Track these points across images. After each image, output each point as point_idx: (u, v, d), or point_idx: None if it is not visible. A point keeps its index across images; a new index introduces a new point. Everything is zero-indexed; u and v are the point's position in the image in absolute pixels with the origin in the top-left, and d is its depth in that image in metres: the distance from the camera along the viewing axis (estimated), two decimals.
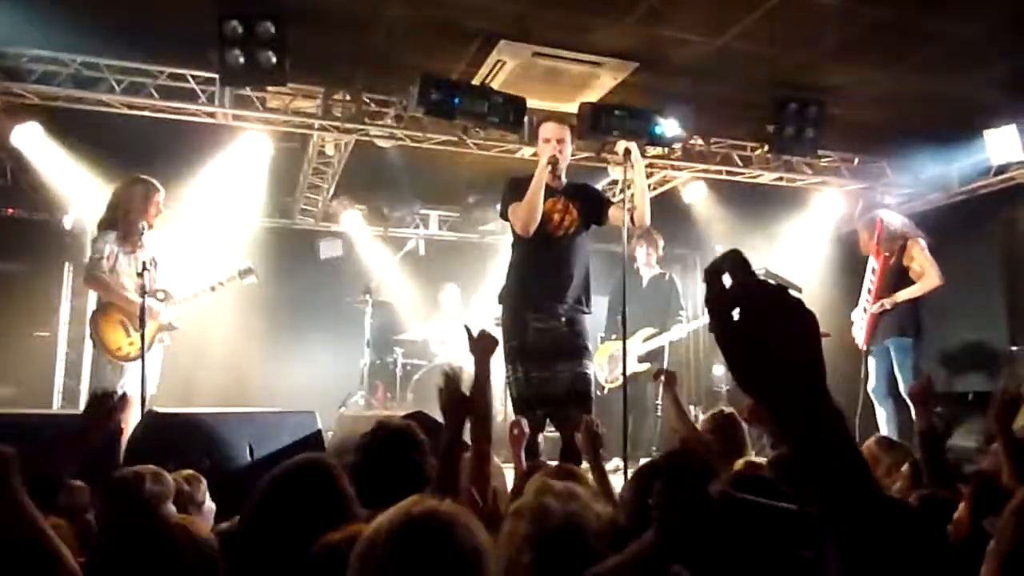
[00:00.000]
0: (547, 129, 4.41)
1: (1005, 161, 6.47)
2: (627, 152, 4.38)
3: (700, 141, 6.96)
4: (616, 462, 6.21)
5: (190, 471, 2.81)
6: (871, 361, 5.85)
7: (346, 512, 1.81)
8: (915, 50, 5.44)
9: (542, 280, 4.28)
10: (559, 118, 4.59)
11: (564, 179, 4.44)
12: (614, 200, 4.67)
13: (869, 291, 5.80)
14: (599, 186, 5.74)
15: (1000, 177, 6.70)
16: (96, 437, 2.49)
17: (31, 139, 6.15)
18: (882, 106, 6.33)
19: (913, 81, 5.82)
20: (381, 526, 1.25)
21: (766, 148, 6.75)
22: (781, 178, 7.25)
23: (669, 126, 6.18)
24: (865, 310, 5.83)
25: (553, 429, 4.31)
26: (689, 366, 8.82)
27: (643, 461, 6.18)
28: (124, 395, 2.64)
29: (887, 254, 5.73)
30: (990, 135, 6.30)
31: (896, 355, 5.66)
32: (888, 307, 5.65)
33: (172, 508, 2.40)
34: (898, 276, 5.70)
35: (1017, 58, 5.43)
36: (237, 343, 7.47)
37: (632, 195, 4.36)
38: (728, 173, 7.16)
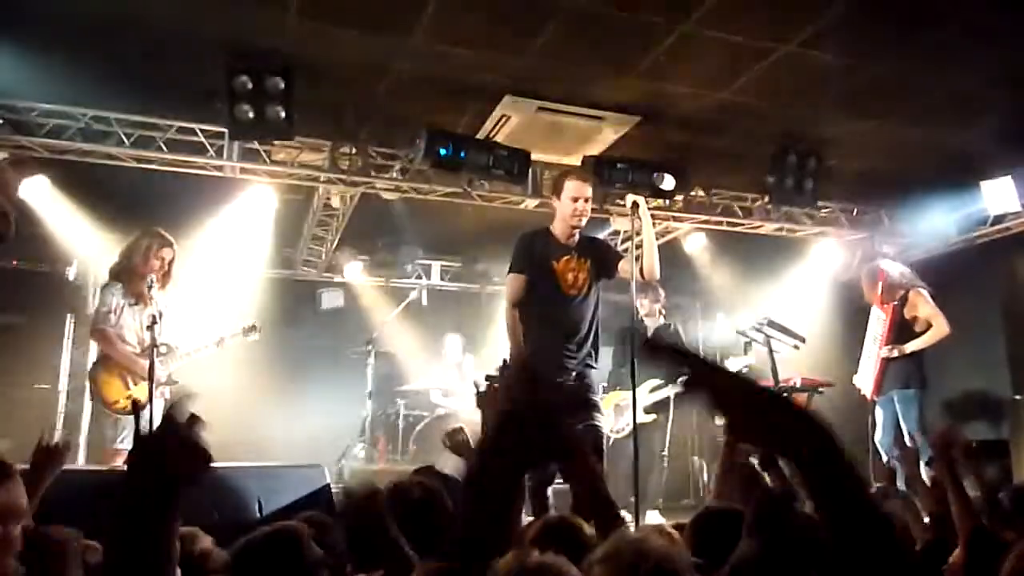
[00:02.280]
0: (575, 188, 4.38)
1: (1002, 211, 6.57)
2: (635, 205, 4.43)
3: (701, 192, 7.05)
4: (624, 515, 6.16)
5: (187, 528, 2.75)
6: (877, 411, 5.84)
7: None
8: (913, 103, 5.55)
9: (554, 337, 4.30)
10: (582, 175, 4.57)
11: (578, 235, 4.47)
12: (623, 253, 4.71)
13: (875, 340, 5.81)
14: (601, 237, 5.79)
15: (997, 227, 6.79)
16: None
17: (38, 192, 6.19)
18: (881, 157, 6.44)
19: (911, 133, 5.94)
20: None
21: (766, 199, 6.84)
22: (781, 228, 7.33)
23: (670, 178, 6.27)
24: (871, 359, 5.83)
25: (561, 481, 4.28)
26: (692, 417, 8.77)
27: (650, 513, 6.16)
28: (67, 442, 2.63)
29: (895, 303, 5.75)
30: (987, 186, 6.41)
31: (901, 406, 5.65)
32: (897, 354, 5.65)
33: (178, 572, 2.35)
34: (901, 327, 5.72)
35: (1012, 111, 5.55)
36: (237, 394, 7.39)
37: (639, 246, 4.40)
38: (729, 224, 7.24)
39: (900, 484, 5.39)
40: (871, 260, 6.55)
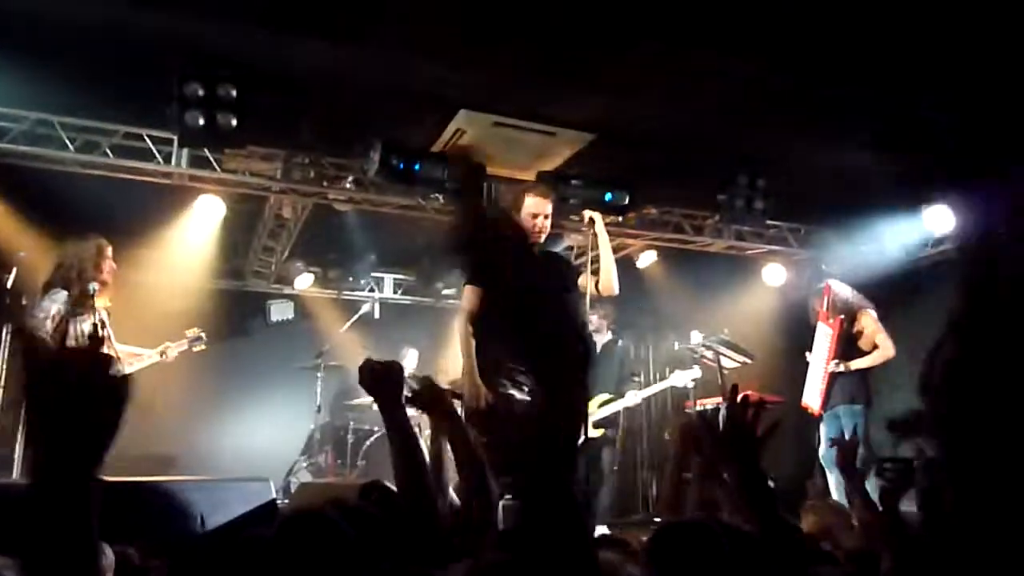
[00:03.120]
0: (535, 204, 4.38)
1: (942, 234, 6.78)
2: (591, 221, 4.47)
3: (654, 210, 7.14)
4: None
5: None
6: (822, 427, 5.95)
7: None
8: (859, 128, 5.70)
9: (509, 351, 4.30)
10: (542, 191, 4.56)
11: (536, 250, 4.49)
12: (581, 269, 4.74)
13: (822, 357, 5.93)
14: (556, 251, 5.82)
15: (938, 249, 7.00)
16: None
17: None
18: (828, 179, 6.58)
19: (858, 157, 6.08)
20: None
21: (717, 217, 6.96)
22: (732, 247, 7.45)
23: (624, 195, 6.35)
24: (817, 376, 5.95)
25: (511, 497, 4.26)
26: (643, 432, 8.84)
27: (599, 529, 6.16)
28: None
29: (841, 317, 5.88)
30: (927, 210, 6.61)
31: (845, 421, 5.77)
32: (843, 370, 5.78)
33: None
34: (848, 344, 5.85)
35: (953, 139, 5.73)
36: (184, 407, 7.24)
37: (595, 261, 4.45)
38: (680, 241, 7.34)
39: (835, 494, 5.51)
40: (818, 279, 6.68)
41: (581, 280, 4.51)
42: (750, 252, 7.63)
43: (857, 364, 5.79)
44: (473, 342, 4.29)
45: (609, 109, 5.56)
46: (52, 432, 0.96)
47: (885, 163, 6.02)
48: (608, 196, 6.32)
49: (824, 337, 5.96)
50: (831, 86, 5.15)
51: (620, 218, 6.68)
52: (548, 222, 4.46)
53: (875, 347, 5.82)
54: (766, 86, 5.18)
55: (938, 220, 6.63)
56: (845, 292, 6.05)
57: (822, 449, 5.90)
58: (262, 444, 7.44)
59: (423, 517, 2.01)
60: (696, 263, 7.77)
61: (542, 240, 4.46)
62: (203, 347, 5.57)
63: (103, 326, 4.76)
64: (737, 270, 8.02)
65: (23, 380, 0.99)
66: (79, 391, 0.98)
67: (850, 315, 5.91)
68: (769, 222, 7.09)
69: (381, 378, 2.18)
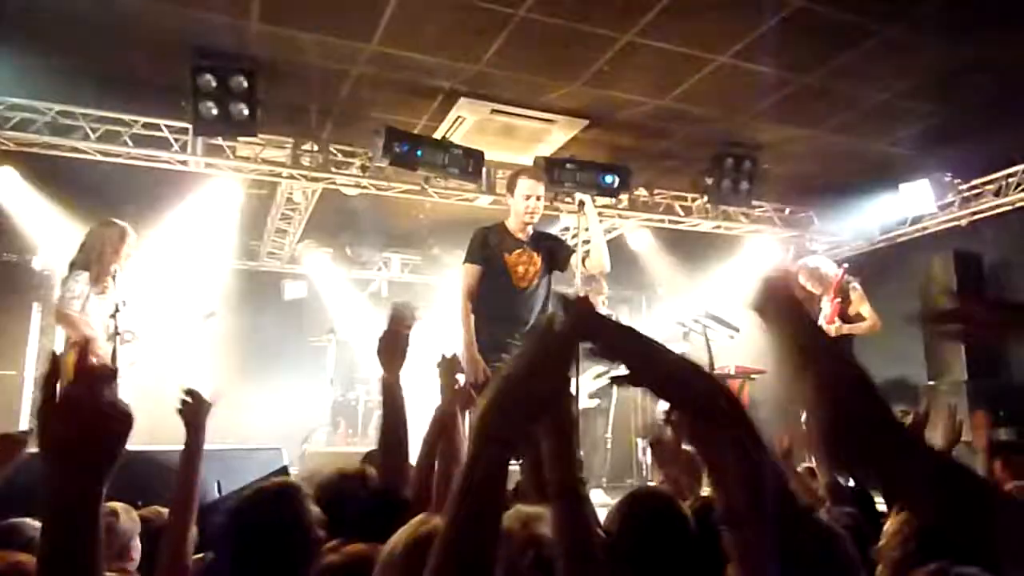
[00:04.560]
0: (528, 186, 4.64)
1: (919, 212, 7.08)
2: (581, 204, 4.76)
3: (645, 192, 7.45)
4: None
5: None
6: None
7: (311, 535, 1.81)
8: (837, 112, 5.96)
9: (506, 327, 4.52)
10: (535, 174, 4.83)
11: (531, 230, 4.78)
12: (575, 248, 5.00)
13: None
14: (553, 232, 6.12)
15: (915, 227, 7.31)
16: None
17: (4, 183, 6.31)
18: (809, 161, 6.87)
19: (837, 139, 6.37)
20: (397, 541, 1.36)
21: (705, 199, 7.26)
22: (719, 226, 7.75)
23: (616, 178, 6.66)
24: None
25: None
26: (635, 402, 9.18)
27: (592, 491, 6.53)
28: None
29: (839, 299, 6.13)
30: (905, 188, 6.90)
31: None
32: (834, 333, 6.05)
33: (138, 544, 2.47)
34: (840, 319, 6.13)
35: (925, 120, 6.02)
36: (201, 380, 7.58)
37: (586, 241, 4.73)
38: (670, 222, 7.65)
39: None
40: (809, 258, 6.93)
41: (573, 259, 4.78)
42: (736, 232, 7.94)
43: (849, 328, 6.04)
44: (472, 318, 4.55)
45: (601, 97, 5.79)
46: (59, 458, 1.03)
47: (862, 145, 6.30)
48: (601, 179, 6.61)
49: (823, 318, 6.18)
50: (808, 74, 5.42)
51: (613, 200, 6.99)
52: (541, 203, 4.72)
53: (860, 317, 6.08)
54: (748, 74, 5.43)
55: (915, 198, 6.92)
56: (834, 269, 6.30)
57: (803, 415, 6.19)
58: (278, 415, 7.80)
59: (395, 483, 2.16)
60: (686, 242, 8.08)
61: (535, 220, 4.74)
62: (214, 321, 5.85)
63: (125, 304, 5.02)
64: (724, 248, 8.32)
65: (39, 405, 1.05)
66: (86, 422, 1.04)
67: (843, 292, 6.17)
68: (754, 203, 7.40)
69: (387, 346, 2.39)
